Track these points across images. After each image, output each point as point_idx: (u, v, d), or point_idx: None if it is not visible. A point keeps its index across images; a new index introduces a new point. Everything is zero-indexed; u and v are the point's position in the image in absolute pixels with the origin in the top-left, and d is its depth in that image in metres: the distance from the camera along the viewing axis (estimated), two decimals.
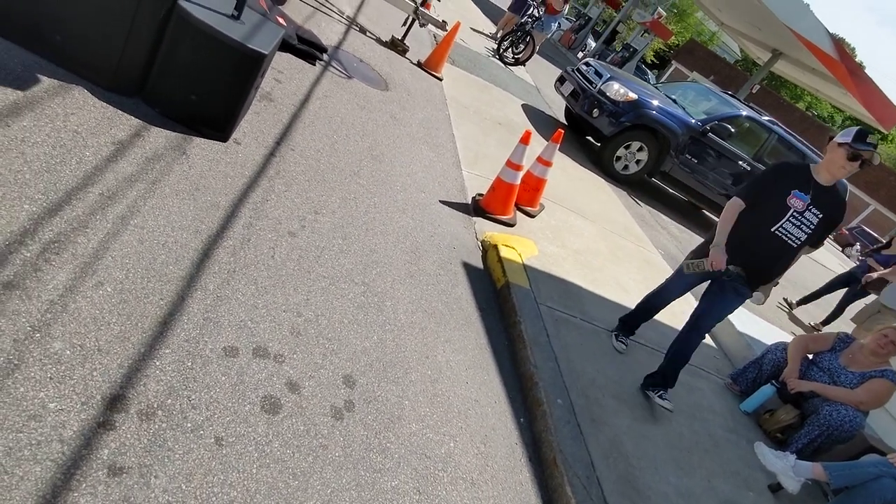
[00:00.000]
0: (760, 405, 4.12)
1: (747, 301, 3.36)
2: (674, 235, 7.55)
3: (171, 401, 1.75)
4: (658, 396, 3.40)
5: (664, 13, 28.27)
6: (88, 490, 1.45)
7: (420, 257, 3.34)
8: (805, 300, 8.47)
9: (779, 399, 4.12)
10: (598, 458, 2.71)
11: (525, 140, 4.26)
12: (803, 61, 20.94)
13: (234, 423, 1.82)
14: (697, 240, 8.13)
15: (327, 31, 5.67)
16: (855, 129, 2.92)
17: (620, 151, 7.67)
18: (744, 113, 8.09)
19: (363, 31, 6.54)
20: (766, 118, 8.40)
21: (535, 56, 11.45)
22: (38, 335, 1.67)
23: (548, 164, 4.72)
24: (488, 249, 3.90)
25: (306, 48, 4.60)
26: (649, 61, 40.19)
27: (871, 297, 7.49)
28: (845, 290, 8.25)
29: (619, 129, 7.46)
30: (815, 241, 3.16)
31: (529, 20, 10.88)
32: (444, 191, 4.34)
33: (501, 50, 10.60)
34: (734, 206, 3.12)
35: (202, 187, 2.64)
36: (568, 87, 8.25)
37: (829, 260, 18.32)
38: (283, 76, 4.16)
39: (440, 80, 6.77)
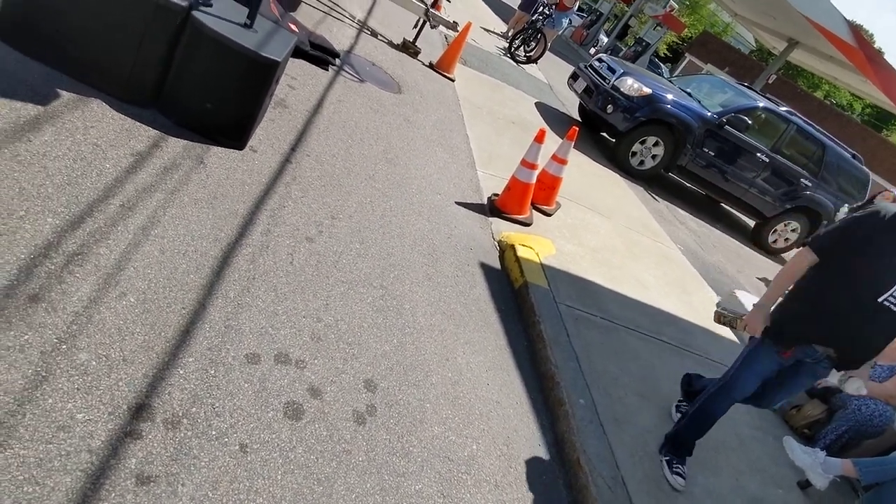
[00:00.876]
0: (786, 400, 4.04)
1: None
2: (692, 230, 7.45)
3: (195, 409, 1.77)
4: (669, 467, 2.76)
5: (676, 6, 27.99)
6: (117, 499, 1.46)
7: (437, 259, 3.34)
8: None
9: (805, 394, 4.04)
10: (623, 458, 2.68)
11: (539, 139, 4.23)
12: (820, 49, 20.60)
13: (258, 430, 1.83)
14: (716, 234, 8.08)
15: (339, 36, 5.69)
16: None
17: (636, 147, 7.59)
18: (761, 104, 7.96)
19: (374, 34, 6.55)
20: (784, 109, 8.26)
21: (547, 53, 11.40)
22: (64, 347, 1.70)
23: (563, 161, 4.69)
24: (505, 249, 3.88)
25: (319, 54, 4.63)
26: (662, 55, 39.75)
27: None
28: None
29: (634, 125, 7.38)
30: None
31: (540, 17, 10.83)
32: (460, 192, 4.33)
33: (513, 48, 10.55)
34: (803, 259, 2.47)
35: (220, 195, 2.66)
36: (581, 84, 8.19)
37: None
38: (297, 82, 4.19)
39: (452, 80, 6.76)
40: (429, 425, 2.26)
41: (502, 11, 16.23)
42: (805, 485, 3.40)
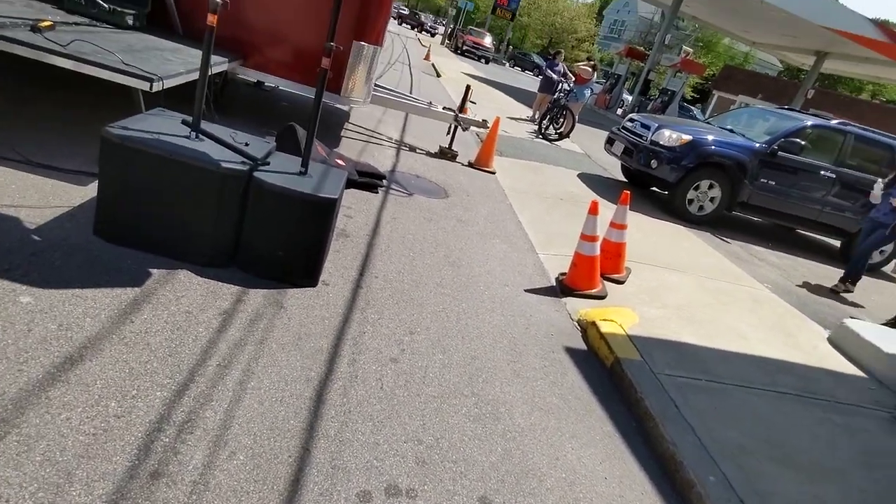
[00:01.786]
0: None
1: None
2: (774, 265, 7.04)
3: None
4: None
5: (690, 50, 28.44)
6: None
7: (521, 353, 3.27)
8: (853, 278, 6.55)
9: None
10: None
11: (594, 210, 4.22)
12: (852, 54, 20.16)
13: None
14: (801, 263, 7.60)
15: (381, 158, 6.06)
16: None
17: (691, 194, 7.45)
18: (808, 123, 7.74)
19: (412, 149, 6.94)
20: (836, 121, 7.99)
21: (577, 125, 11.67)
22: None
23: (622, 227, 4.63)
24: (587, 328, 3.77)
25: (367, 180, 4.92)
26: (690, 98, 39.93)
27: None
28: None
29: (684, 173, 7.30)
30: None
31: (562, 95, 11.22)
32: (527, 279, 4.32)
33: (543, 129, 10.89)
34: None
35: (304, 335, 2.76)
36: (619, 147, 8.26)
37: None
38: (352, 210, 4.43)
39: (493, 173, 6.98)
40: None
41: (523, 98, 16.96)
42: None
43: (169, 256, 2.95)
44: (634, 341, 3.61)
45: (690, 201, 7.49)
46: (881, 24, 19.52)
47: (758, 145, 7.43)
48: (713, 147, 7.33)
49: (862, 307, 6.31)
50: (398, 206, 4.91)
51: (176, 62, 3.80)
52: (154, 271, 2.83)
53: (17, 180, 3.22)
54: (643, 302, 4.35)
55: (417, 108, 6.90)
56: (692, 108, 32.69)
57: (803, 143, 7.37)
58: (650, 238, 6.17)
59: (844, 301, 6.33)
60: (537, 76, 32.21)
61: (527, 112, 13.97)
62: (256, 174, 2.92)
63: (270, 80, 5.52)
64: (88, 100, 4.87)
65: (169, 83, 3.38)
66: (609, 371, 3.40)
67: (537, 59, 43.16)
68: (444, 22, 46.61)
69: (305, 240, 3.07)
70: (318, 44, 5.12)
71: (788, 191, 7.60)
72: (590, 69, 12.23)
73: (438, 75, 17.50)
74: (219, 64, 4.39)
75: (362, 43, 5.26)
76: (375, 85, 6.31)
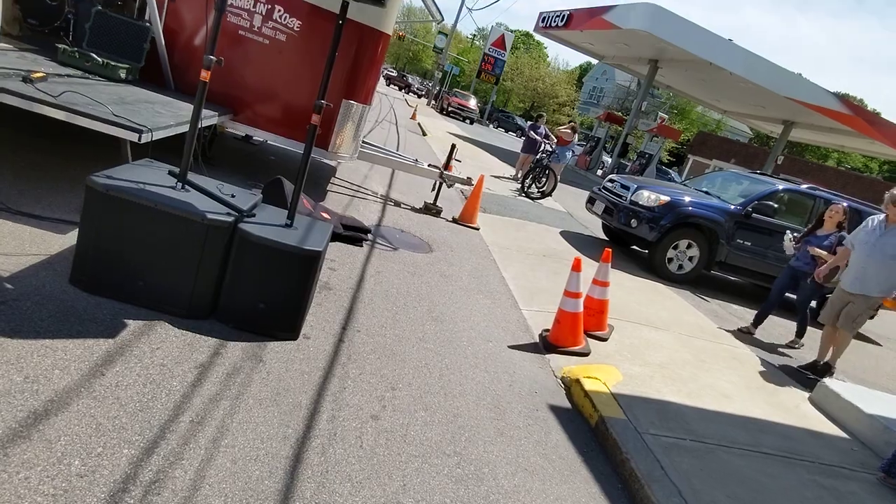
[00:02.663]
0: None
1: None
2: (748, 321, 7.10)
3: None
4: None
5: (665, 116, 29.72)
6: None
7: (505, 411, 3.21)
8: (758, 320, 6.46)
9: None
10: None
11: (576, 267, 4.27)
12: (817, 124, 21.21)
13: None
14: (778, 322, 7.68)
15: (366, 213, 6.11)
16: None
17: (670, 253, 7.59)
18: (780, 187, 8.03)
19: (397, 204, 7.02)
20: (805, 186, 8.30)
21: (559, 185, 11.95)
22: None
23: (605, 284, 4.67)
24: (571, 385, 3.73)
25: (352, 233, 4.93)
26: (666, 161, 41.36)
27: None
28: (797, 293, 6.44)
29: (662, 233, 7.45)
30: None
31: (544, 155, 11.54)
32: (510, 335, 4.29)
33: (526, 187, 11.13)
34: None
35: (282, 390, 2.68)
36: (599, 206, 8.45)
37: None
38: (336, 263, 4.41)
39: (477, 229, 7.06)
40: None
41: (506, 157, 17.40)
42: None
43: (147, 307, 2.88)
44: (618, 399, 3.57)
45: (670, 260, 7.62)
46: (843, 98, 20.70)
47: (733, 207, 7.66)
48: (690, 208, 7.53)
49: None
50: (382, 259, 4.91)
51: (166, 115, 3.85)
52: (130, 322, 2.76)
53: None
54: (626, 359, 4.33)
55: (403, 165, 7.03)
56: (670, 170, 33.80)
57: (776, 205, 7.63)
58: (632, 295, 6.22)
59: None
60: (520, 137, 33.22)
61: (510, 171, 14.30)
62: (241, 225, 2.91)
63: (259, 135, 5.60)
64: (76, 150, 4.88)
65: (158, 135, 3.41)
66: (593, 430, 3.34)
67: (520, 121, 44.66)
68: (430, 84, 48.25)
69: (288, 292, 3.03)
70: (306, 100, 5.26)
71: (764, 251, 7.78)
72: (570, 132, 12.66)
73: (424, 134, 17.94)
74: (209, 118, 4.46)
75: (351, 101, 5.40)
76: (363, 141, 6.44)
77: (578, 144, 25.83)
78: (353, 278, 4.29)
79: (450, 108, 34.31)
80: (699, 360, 4.87)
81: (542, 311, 4.89)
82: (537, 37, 54.71)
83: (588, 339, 4.47)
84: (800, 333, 6.48)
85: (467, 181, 7.37)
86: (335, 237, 4.77)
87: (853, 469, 3.79)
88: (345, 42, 3.08)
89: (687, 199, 7.67)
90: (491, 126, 41.67)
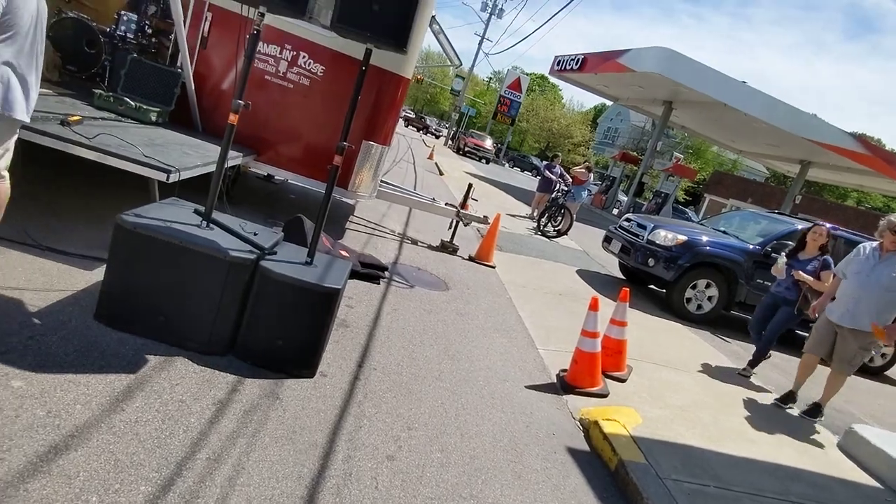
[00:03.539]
0: None
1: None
2: (776, 365, 6.94)
3: None
4: None
5: (681, 155, 29.83)
6: None
7: (522, 453, 3.15)
8: (755, 362, 5.88)
9: None
10: None
11: (594, 307, 4.24)
12: (835, 164, 21.12)
13: None
14: (785, 358, 7.48)
15: (383, 250, 6.17)
16: None
17: (689, 293, 7.51)
18: (799, 227, 7.96)
19: (414, 242, 7.09)
20: (828, 225, 8.21)
21: (574, 224, 11.97)
22: None
23: (622, 324, 4.63)
24: (589, 427, 3.66)
25: (369, 271, 4.98)
26: (682, 200, 41.30)
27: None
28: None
29: (680, 273, 7.40)
30: None
31: (560, 194, 11.62)
32: (527, 375, 4.25)
33: (542, 226, 11.17)
34: None
35: (298, 429, 2.67)
36: (616, 245, 8.44)
37: None
38: (353, 300, 4.44)
39: (493, 267, 7.07)
40: None
41: (522, 196, 17.54)
42: None
43: (168, 343, 2.92)
44: (639, 443, 3.48)
45: (689, 300, 7.53)
46: (860, 137, 20.66)
47: (751, 247, 7.60)
48: (709, 247, 7.49)
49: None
50: (399, 297, 4.93)
51: (193, 156, 3.99)
52: (151, 358, 2.80)
53: (25, 263, 3.27)
54: (645, 401, 4.25)
55: (421, 204, 7.12)
56: (686, 210, 33.69)
57: (795, 245, 7.54)
58: (651, 336, 6.14)
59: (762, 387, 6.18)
60: (535, 176, 33.52)
61: (525, 209, 14.39)
62: (263, 262, 2.97)
63: (280, 174, 5.75)
64: (105, 188, 5.05)
65: (185, 175, 3.53)
66: (613, 474, 3.25)
67: (535, 161, 45.14)
68: (447, 125, 49.21)
69: (307, 329, 3.06)
70: (327, 141, 5.41)
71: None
72: (586, 171, 12.77)
73: (441, 173, 18.21)
74: (234, 158, 4.60)
75: (371, 143, 5.54)
76: (381, 181, 6.57)
77: (594, 184, 25.98)
78: (369, 315, 4.31)
79: (466, 149, 34.86)
80: (721, 402, 4.76)
81: (559, 351, 4.84)
82: (552, 79, 55.92)
83: (606, 379, 4.40)
84: (756, 362, 5.81)
85: (484, 220, 7.43)
86: (353, 274, 4.81)
87: None
88: (366, 86, 3.19)
89: (705, 238, 7.64)
90: (506, 165, 42.15)
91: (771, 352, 6.04)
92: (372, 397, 3.18)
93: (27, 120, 2.67)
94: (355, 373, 3.39)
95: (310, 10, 2.92)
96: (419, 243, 7.12)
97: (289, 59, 5.44)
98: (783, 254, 5.62)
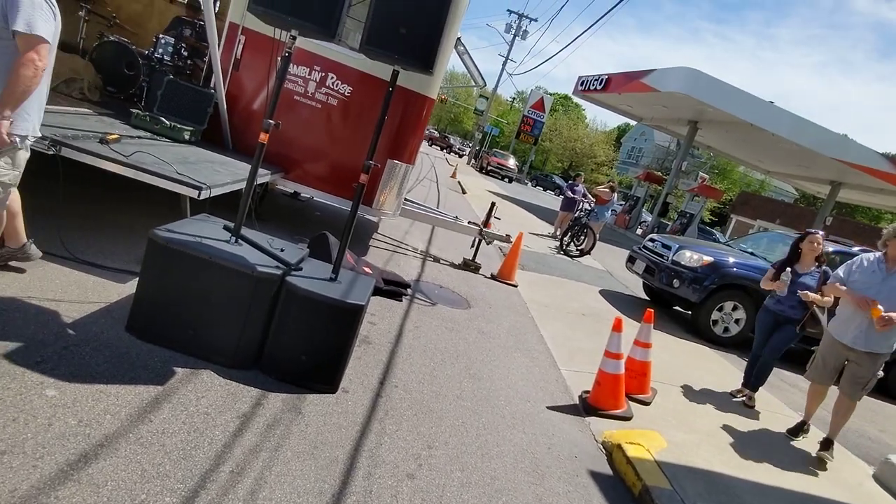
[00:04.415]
0: None
1: None
2: (805, 391, 6.73)
3: None
4: None
5: (706, 176, 29.48)
6: None
7: (543, 476, 3.11)
8: (755, 386, 5.36)
9: None
10: None
11: (617, 327, 4.20)
12: (867, 185, 20.63)
13: None
14: (834, 391, 7.25)
15: (406, 268, 6.21)
16: None
17: (715, 315, 7.37)
18: (830, 249, 7.77)
19: (437, 260, 7.12)
20: (857, 248, 8.01)
21: (598, 243, 11.89)
22: None
23: (647, 345, 4.56)
24: (612, 451, 3.60)
25: (392, 288, 5.01)
26: (707, 220, 40.71)
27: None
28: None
29: (706, 294, 7.28)
30: None
31: (583, 213, 11.57)
32: (549, 395, 4.20)
33: (564, 245, 11.12)
34: None
35: (320, 444, 2.69)
36: (640, 266, 8.35)
37: None
38: (376, 317, 4.47)
39: (515, 286, 7.05)
40: None
41: (545, 215, 17.49)
42: None
43: (195, 356, 2.98)
44: (663, 468, 3.41)
45: (715, 322, 7.39)
46: (893, 158, 20.17)
47: None
48: (735, 269, 7.36)
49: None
50: (421, 314, 4.95)
51: (224, 173, 4.09)
52: (178, 370, 2.86)
53: (62, 275, 3.38)
54: (670, 425, 4.16)
55: (444, 222, 7.17)
56: (714, 231, 33.15)
57: (824, 268, 7.36)
58: (676, 358, 6.03)
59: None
60: (558, 195, 33.44)
61: (548, 229, 14.34)
62: (289, 278, 3.02)
63: (307, 192, 5.86)
64: (141, 204, 5.20)
65: (216, 192, 3.62)
66: (637, 499, 3.19)
67: (558, 180, 45.06)
68: (470, 144, 49.54)
69: (330, 344, 3.09)
70: (353, 160, 5.50)
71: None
72: (609, 191, 12.71)
73: (464, 192, 18.30)
74: (263, 175, 4.71)
75: (396, 161, 5.61)
76: (405, 199, 6.63)
77: (618, 204, 25.82)
78: (392, 332, 4.33)
79: (489, 167, 35.00)
80: (749, 427, 4.63)
81: (581, 372, 4.79)
82: (576, 99, 55.97)
83: (630, 402, 4.33)
84: (758, 385, 5.32)
85: (506, 238, 7.43)
86: (376, 291, 4.85)
87: None
88: (392, 106, 3.26)
89: (731, 259, 7.51)
90: (529, 184, 42.15)
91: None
92: (393, 414, 3.19)
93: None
94: (377, 390, 3.41)
95: (339, 33, 3.00)
96: (441, 261, 7.15)
97: (317, 80, 5.57)
98: (788, 270, 5.04)
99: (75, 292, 3.24)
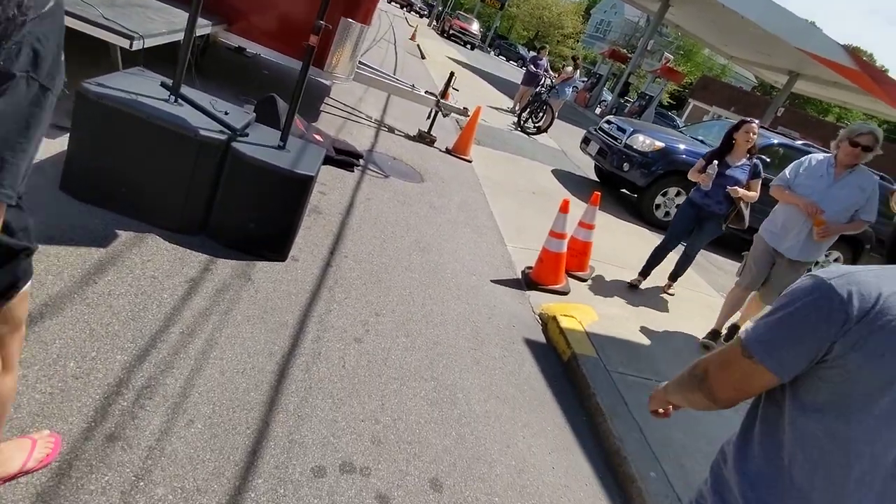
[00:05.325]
0: None
1: None
2: (730, 273, 7.31)
3: None
4: None
5: (671, 57, 28.87)
6: None
7: (482, 342, 3.35)
8: (646, 271, 5.16)
9: None
10: None
11: (564, 209, 4.32)
12: (823, 77, 20.81)
13: None
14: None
15: (359, 137, 6.03)
16: None
17: (659, 199, 7.65)
18: (775, 141, 8.01)
19: (391, 130, 6.92)
20: (801, 142, 8.29)
21: (556, 121, 11.77)
22: (141, 483, 1.74)
23: (590, 226, 4.75)
24: (548, 322, 3.88)
25: (344, 158, 4.90)
26: (666, 103, 40.61)
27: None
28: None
29: (653, 179, 7.48)
30: None
31: (544, 90, 11.30)
32: (494, 269, 4.40)
33: (522, 122, 10.96)
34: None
35: (269, 309, 2.77)
36: (594, 147, 8.40)
37: None
38: (326, 187, 4.42)
39: (470, 162, 7.02)
40: None
41: (506, 88, 16.96)
42: None
43: (137, 219, 2.91)
44: (592, 338, 3.73)
45: (658, 206, 7.69)
46: (852, 51, 20.21)
47: None
48: (684, 156, 7.53)
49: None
50: (373, 186, 4.91)
51: (158, 21, 3.70)
52: (121, 233, 2.79)
53: None
54: (604, 301, 4.49)
55: (400, 90, 6.87)
56: (675, 116, 33.20)
57: (769, 159, 7.63)
58: (616, 239, 6.34)
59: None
60: (521, 67, 32.24)
61: (508, 103, 14.01)
62: (234, 145, 2.89)
63: (253, 48, 5.41)
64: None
65: (150, 42, 3.30)
66: (565, 365, 3.52)
67: (522, 51, 43.17)
68: (433, 3, 46.03)
69: (279, 214, 3.07)
70: (304, 16, 5.05)
71: (752, 204, 7.86)
72: (572, 69, 12.34)
73: (423, 57, 17.35)
74: (203, 27, 4.28)
75: (350, 20, 5.20)
76: (360, 62, 6.25)
77: (582, 80, 25.20)
78: (342, 203, 4.31)
79: (451, 31, 32.98)
80: (678, 306, 5.05)
81: (526, 249, 4.99)
82: None
83: (569, 278, 4.60)
84: (677, 276, 5.25)
85: (464, 111, 7.25)
86: (327, 160, 4.73)
87: None
88: None
89: (681, 146, 7.65)
90: (492, 53, 40.26)
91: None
92: (342, 283, 3.28)
93: None
94: (327, 259, 3.46)
95: None
96: (396, 132, 6.96)
97: None
98: (715, 163, 4.59)
99: None
